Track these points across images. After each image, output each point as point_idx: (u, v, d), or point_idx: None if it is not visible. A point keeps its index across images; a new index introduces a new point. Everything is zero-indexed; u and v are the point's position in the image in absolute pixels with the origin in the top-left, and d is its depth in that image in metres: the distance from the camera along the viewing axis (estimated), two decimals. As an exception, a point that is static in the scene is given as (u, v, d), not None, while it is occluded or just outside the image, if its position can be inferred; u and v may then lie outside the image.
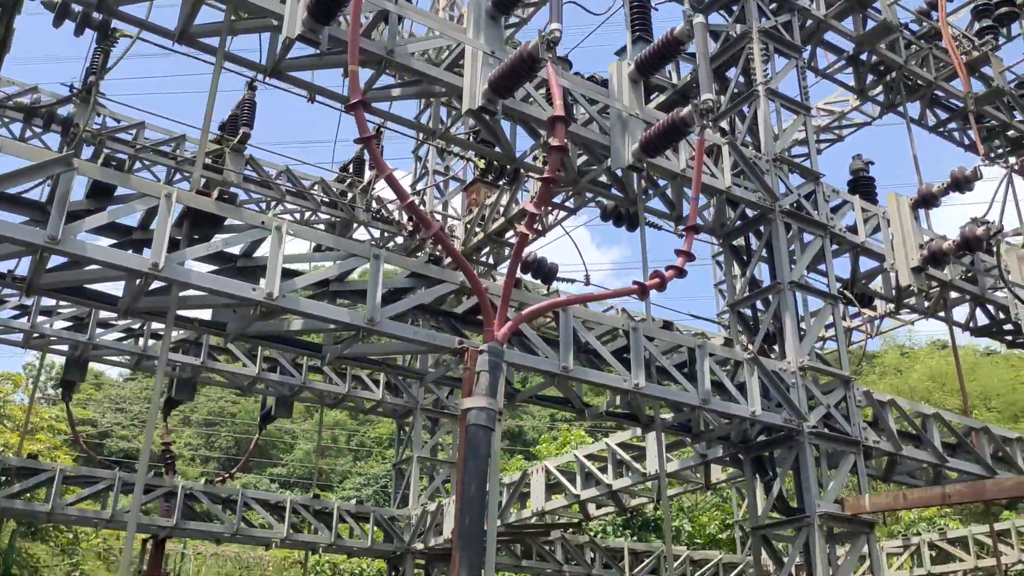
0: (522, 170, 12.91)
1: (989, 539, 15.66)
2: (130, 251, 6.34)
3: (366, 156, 14.88)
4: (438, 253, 8.22)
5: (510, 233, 13.65)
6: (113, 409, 45.09)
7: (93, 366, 17.95)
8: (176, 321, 7.03)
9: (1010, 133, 14.85)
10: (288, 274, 6.90)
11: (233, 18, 7.38)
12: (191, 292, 6.65)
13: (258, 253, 7.32)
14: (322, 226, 16.16)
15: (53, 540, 17.21)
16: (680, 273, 7.85)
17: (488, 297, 7.09)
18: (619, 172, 9.39)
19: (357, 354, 7.71)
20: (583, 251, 15.55)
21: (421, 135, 15.80)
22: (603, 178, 10.02)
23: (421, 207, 10.40)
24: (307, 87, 8.22)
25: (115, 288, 7.04)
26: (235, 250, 7.20)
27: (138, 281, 6.30)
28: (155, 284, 6.52)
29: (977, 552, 16.47)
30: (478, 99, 7.61)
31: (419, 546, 14.63)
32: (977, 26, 14.52)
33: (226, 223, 6.72)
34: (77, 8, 10.42)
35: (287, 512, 13.91)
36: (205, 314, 7.40)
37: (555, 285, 11.68)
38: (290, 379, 13.83)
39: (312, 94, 10.71)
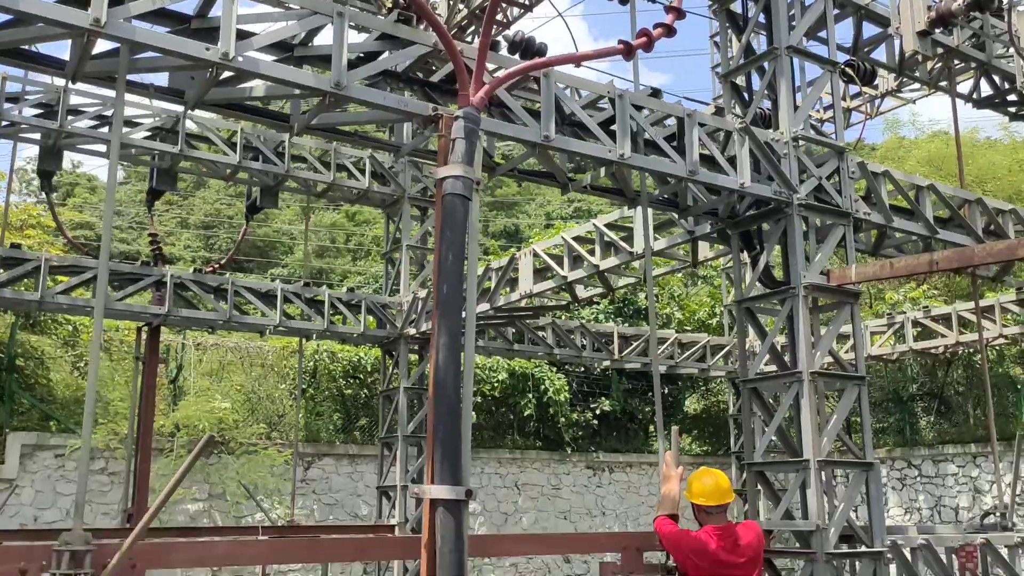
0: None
1: (973, 316, 15.94)
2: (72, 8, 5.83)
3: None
4: (410, 14, 7.65)
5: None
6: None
7: (87, 170, 17.56)
8: (132, 90, 6.64)
9: None
10: (246, 35, 6.43)
11: None
12: (147, 55, 6.22)
13: (214, 14, 6.79)
14: None
15: (54, 333, 17.50)
16: (669, 32, 7.33)
17: (463, 61, 6.64)
18: (606, -74, 8.63)
19: (326, 123, 7.34)
20: (577, 41, 14.72)
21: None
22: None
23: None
24: None
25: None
26: (189, 11, 6.68)
27: (83, 40, 5.84)
28: (106, 46, 6.10)
29: (960, 329, 16.83)
30: None
31: (411, 331, 14.87)
32: None
33: (173, -24, 6.16)
34: None
35: (279, 300, 14.01)
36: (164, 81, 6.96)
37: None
38: (273, 167, 13.50)
39: None
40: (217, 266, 15.19)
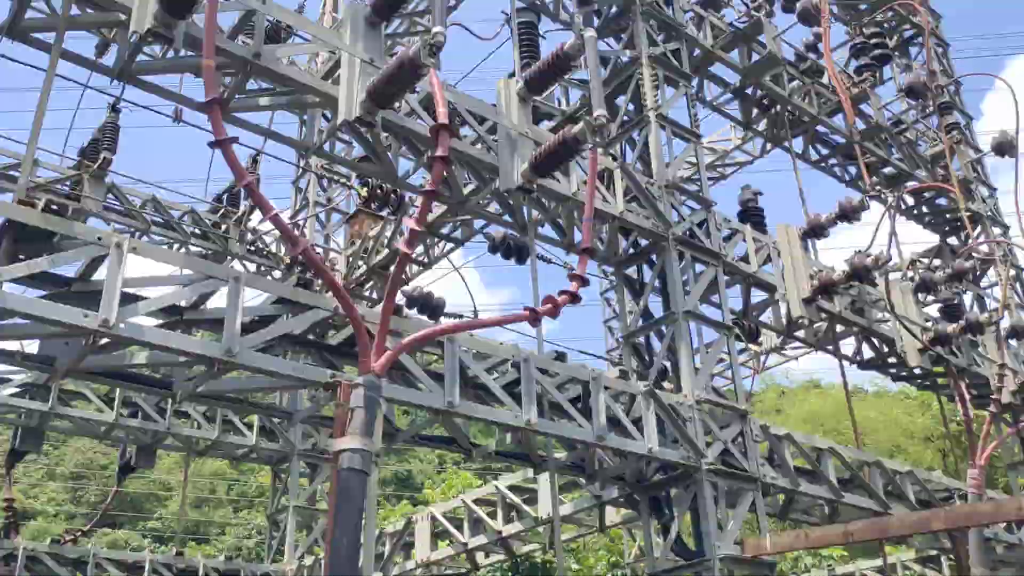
0: (406, 196, 12.30)
1: (878, 574, 15.69)
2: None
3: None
4: (309, 277, 7.47)
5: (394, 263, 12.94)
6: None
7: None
8: (-3, 354, 6.06)
9: (887, 170, 15.16)
10: (131, 299, 6.03)
11: (74, 12, 6.53)
12: (14, 321, 5.71)
13: (100, 276, 6.41)
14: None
15: None
16: (574, 298, 7.34)
17: (364, 325, 6.38)
18: (508, 196, 8.89)
19: (214, 391, 6.85)
20: (472, 293, 14.94)
21: (300, 163, 15.02)
22: (492, 208, 9.52)
23: (287, 223, 9.60)
24: (165, 95, 7.39)
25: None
26: (72, 273, 6.28)
27: (-56, 305, 5.32)
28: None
29: (865, 587, 16.49)
30: (355, 109, 6.97)
31: (296, 605, 13.51)
32: (855, 64, 14.84)
33: (57, 240, 5.81)
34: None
35: (146, 573, 12.60)
36: (34, 346, 6.41)
37: (442, 321, 11.04)
38: (152, 424, 12.61)
39: (178, 110, 9.82)
40: (79, 533, 13.72)
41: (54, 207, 5.75)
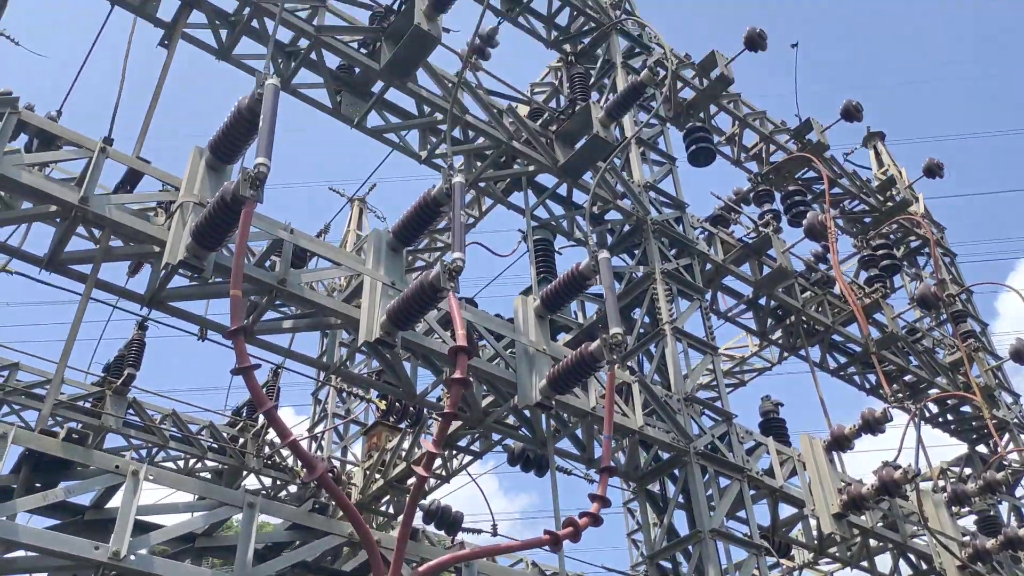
0: (425, 410, 12.29)
1: None
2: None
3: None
4: (325, 500, 7.33)
5: (412, 479, 12.72)
6: None
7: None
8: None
9: (907, 378, 15.11)
10: (144, 528, 5.92)
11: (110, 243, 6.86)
12: (21, 553, 5.59)
13: (114, 503, 6.33)
14: (208, 475, 14.94)
15: None
16: (596, 521, 7.13)
17: (380, 551, 6.20)
18: (527, 411, 8.87)
19: (223, 624, 6.55)
20: (490, 499, 14.70)
21: (320, 376, 15.15)
22: (510, 419, 9.48)
23: (305, 447, 9.53)
24: (192, 319, 7.62)
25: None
26: (86, 501, 6.21)
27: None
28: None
29: None
30: (376, 331, 7.11)
31: None
32: (865, 275, 15.17)
33: (76, 468, 5.80)
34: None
35: None
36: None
37: (460, 536, 10.71)
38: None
39: (203, 330, 10.07)
40: None
41: (75, 436, 5.77)
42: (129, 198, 6.83)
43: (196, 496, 6.19)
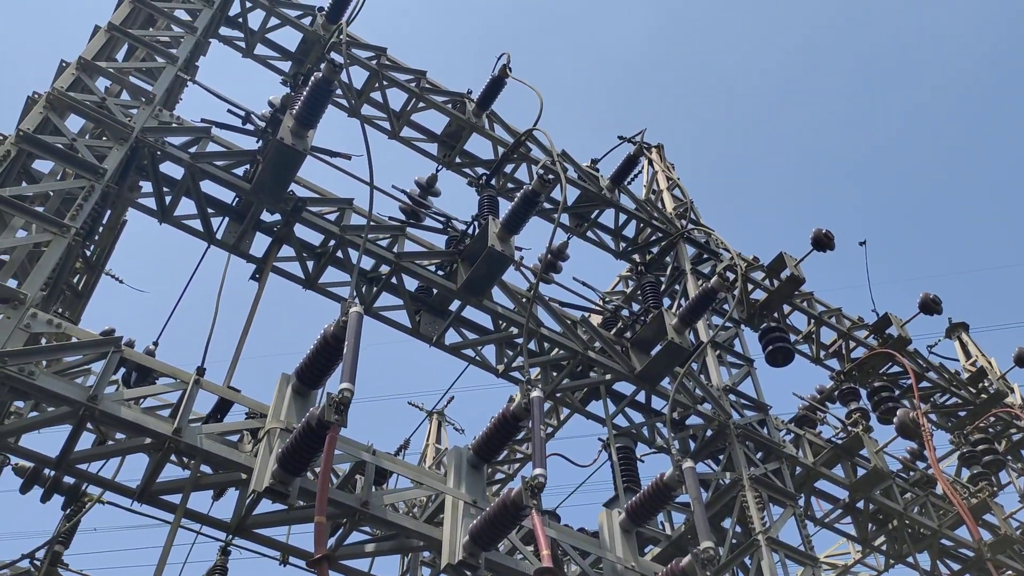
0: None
1: None
2: None
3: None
4: None
5: None
6: None
7: None
8: None
9: (1032, 584, 13.89)
10: None
11: (199, 474, 7.02)
12: None
13: None
14: None
15: None
16: None
17: None
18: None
19: None
20: None
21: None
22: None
23: None
24: (275, 545, 7.60)
25: None
26: None
27: None
28: None
29: None
30: (459, 553, 6.96)
31: None
32: (967, 472, 14.39)
33: None
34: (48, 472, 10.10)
35: None
36: None
37: None
38: None
39: (285, 555, 9.98)
40: None
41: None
42: (219, 427, 7.04)
43: None
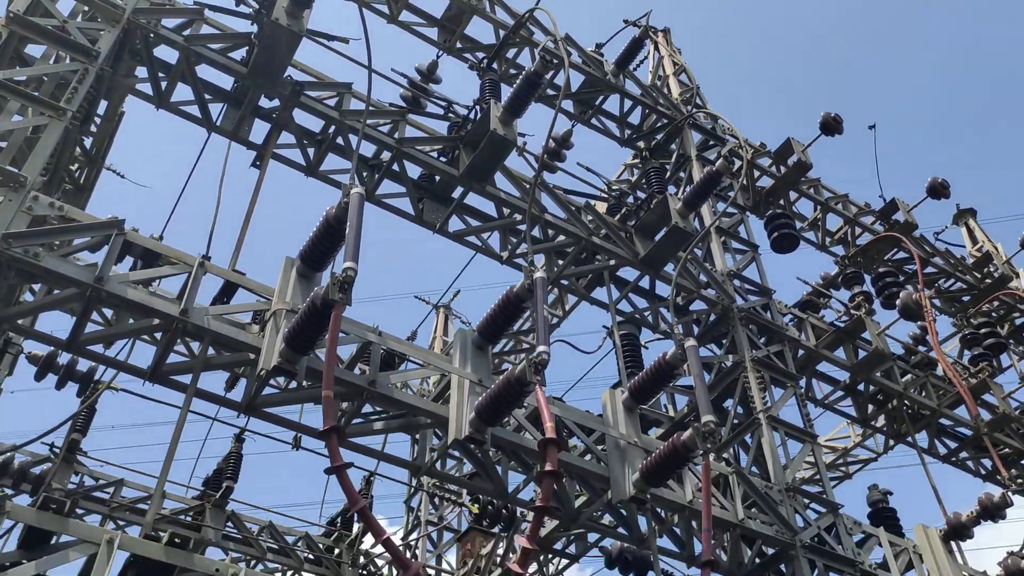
0: (518, 512, 12.12)
1: None
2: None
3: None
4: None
5: (508, 585, 12.43)
6: None
7: None
8: None
9: (1025, 461, 14.23)
10: (243, 633, 5.94)
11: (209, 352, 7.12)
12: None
13: (214, 610, 6.37)
14: (304, 585, 14.93)
15: None
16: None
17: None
18: (622, 508, 8.64)
19: None
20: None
21: (412, 482, 15.14)
22: (606, 519, 9.25)
23: (399, 547, 9.47)
24: (287, 424, 7.77)
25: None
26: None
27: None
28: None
29: None
30: (465, 428, 7.12)
31: None
32: (968, 355, 14.54)
33: (176, 573, 5.89)
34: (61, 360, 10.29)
35: None
36: None
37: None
38: None
39: (298, 438, 10.21)
40: None
41: (177, 540, 5.89)
42: (225, 309, 7.11)
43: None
